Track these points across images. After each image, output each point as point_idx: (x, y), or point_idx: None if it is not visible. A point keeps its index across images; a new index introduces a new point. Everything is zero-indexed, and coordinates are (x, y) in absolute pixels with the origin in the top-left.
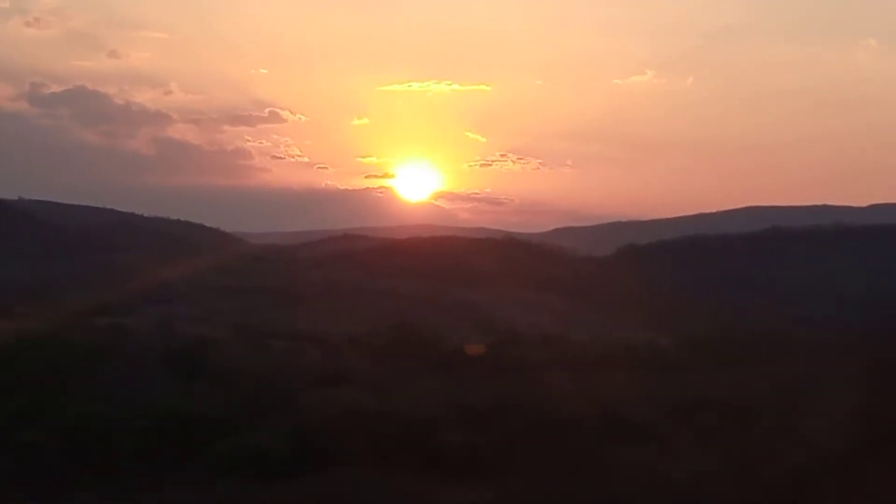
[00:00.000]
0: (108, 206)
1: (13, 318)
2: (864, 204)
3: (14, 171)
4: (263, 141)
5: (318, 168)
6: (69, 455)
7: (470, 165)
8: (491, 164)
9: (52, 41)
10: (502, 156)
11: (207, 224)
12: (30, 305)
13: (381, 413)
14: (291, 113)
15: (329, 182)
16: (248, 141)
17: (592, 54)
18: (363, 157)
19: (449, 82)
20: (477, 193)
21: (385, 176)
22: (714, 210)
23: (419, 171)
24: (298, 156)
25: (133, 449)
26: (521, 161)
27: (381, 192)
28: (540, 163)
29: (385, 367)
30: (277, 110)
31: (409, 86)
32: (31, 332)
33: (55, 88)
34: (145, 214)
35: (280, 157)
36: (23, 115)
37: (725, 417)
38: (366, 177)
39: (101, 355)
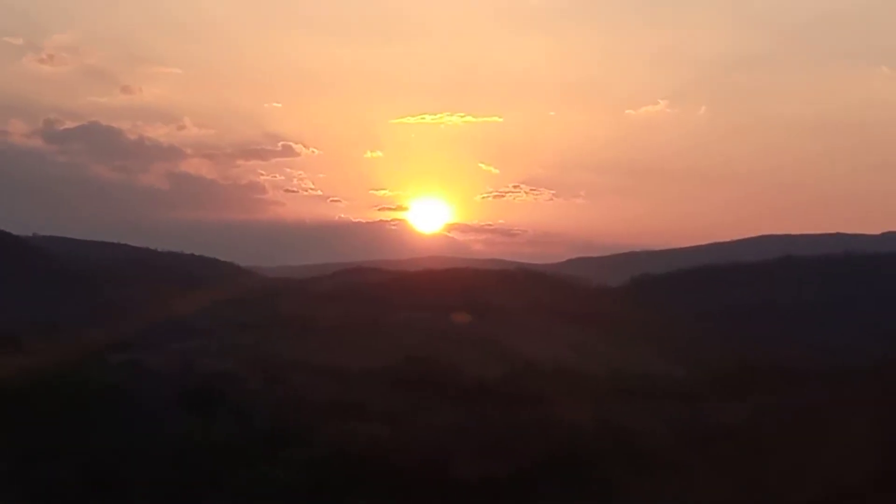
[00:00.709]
0: (123, 242)
1: (29, 355)
2: (876, 232)
3: (29, 208)
4: (277, 175)
5: (332, 201)
6: (87, 490)
7: (483, 197)
8: (504, 196)
9: (66, 77)
10: (515, 187)
11: (222, 258)
12: (45, 342)
13: (398, 445)
14: (305, 146)
15: (342, 215)
16: (262, 175)
17: (605, 84)
18: (376, 189)
19: (462, 114)
20: (490, 225)
21: (398, 208)
22: (727, 239)
23: (432, 203)
24: (312, 189)
25: (151, 483)
26: (535, 192)
27: (394, 225)
28: (553, 193)
29: (401, 400)
30: (291, 144)
31: (422, 118)
32: (47, 368)
33: (69, 124)
34: (159, 249)
35: (293, 191)
36: (37, 151)
37: (741, 447)
38: (379, 209)
39: (118, 391)
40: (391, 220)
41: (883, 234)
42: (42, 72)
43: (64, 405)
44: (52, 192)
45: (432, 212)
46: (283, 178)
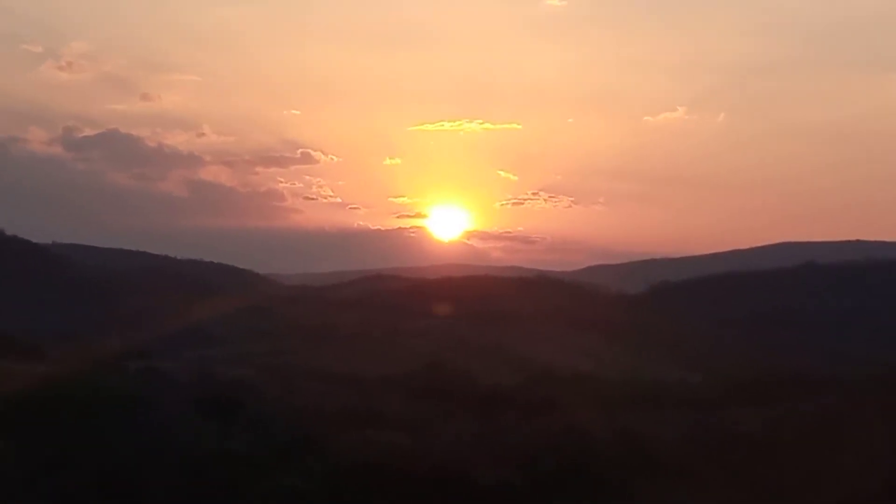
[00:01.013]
0: (142, 249)
1: (47, 363)
2: None
3: (48, 216)
4: (296, 182)
5: (351, 208)
6: (103, 499)
7: (502, 204)
8: (523, 203)
9: (86, 85)
10: (534, 194)
11: (240, 266)
12: (64, 349)
13: (416, 454)
14: (323, 154)
15: (361, 222)
16: (281, 182)
17: (623, 91)
18: (395, 197)
19: (480, 121)
20: (509, 232)
21: (417, 216)
22: (747, 246)
23: (451, 210)
24: (331, 196)
25: (168, 491)
26: (553, 199)
27: (413, 232)
28: (572, 201)
29: (419, 408)
30: (310, 151)
31: (441, 125)
32: (65, 376)
33: (88, 132)
34: (178, 257)
35: (312, 198)
36: (57, 158)
37: (758, 455)
38: (398, 217)
39: (136, 399)
40: (410, 228)
41: None
42: (61, 79)
43: (81, 413)
44: (71, 200)
45: (451, 219)
46: (301, 185)
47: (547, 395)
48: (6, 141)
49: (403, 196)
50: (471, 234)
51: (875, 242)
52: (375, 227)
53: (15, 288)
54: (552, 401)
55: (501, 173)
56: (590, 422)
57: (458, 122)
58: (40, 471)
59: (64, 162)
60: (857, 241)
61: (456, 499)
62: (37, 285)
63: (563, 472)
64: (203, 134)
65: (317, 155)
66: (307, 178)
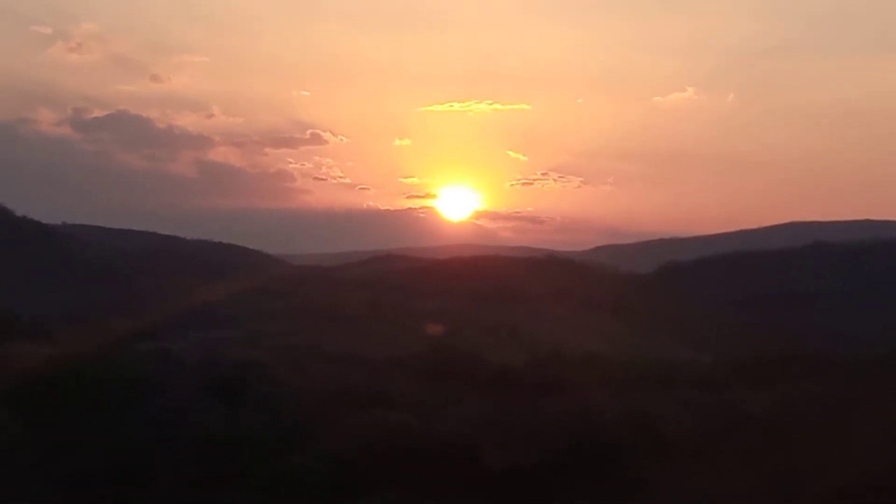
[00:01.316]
0: (151, 230)
1: (56, 344)
2: None
3: (57, 196)
4: (305, 163)
5: (360, 189)
6: (112, 480)
7: (511, 184)
8: (532, 183)
9: (95, 66)
10: (543, 174)
11: (250, 246)
12: (72, 331)
13: (424, 435)
14: (333, 134)
15: (371, 203)
16: (290, 163)
17: (633, 72)
18: (405, 177)
19: (490, 102)
20: (518, 212)
21: (427, 196)
22: (755, 226)
23: (460, 190)
24: (340, 177)
25: (178, 473)
26: (563, 179)
27: (422, 213)
28: (581, 181)
29: (428, 389)
30: (319, 132)
31: (450, 106)
32: (74, 357)
33: (98, 113)
34: (188, 237)
35: (322, 179)
36: (66, 139)
37: (768, 435)
38: (407, 197)
39: (145, 380)
40: (419, 208)
41: None
42: (70, 60)
43: (90, 395)
44: (80, 181)
45: (460, 199)
46: (311, 166)
47: (556, 376)
48: (16, 122)
49: (413, 176)
50: (480, 215)
51: (883, 221)
52: (385, 208)
53: (24, 269)
54: (561, 381)
55: (511, 153)
56: (599, 402)
57: (467, 103)
58: (49, 453)
59: (73, 143)
60: (865, 220)
61: (464, 480)
62: (46, 266)
63: (572, 453)
64: (212, 115)
65: (326, 136)
66: (317, 158)
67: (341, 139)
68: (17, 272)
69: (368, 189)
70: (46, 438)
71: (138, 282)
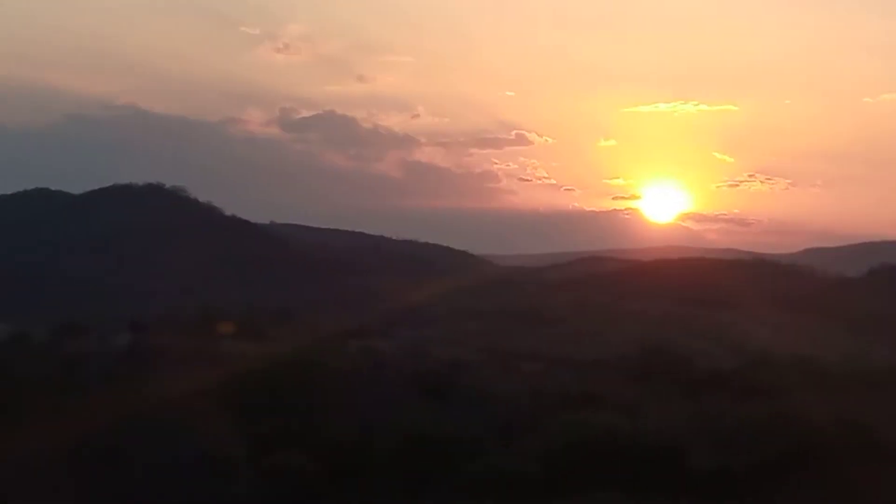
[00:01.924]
0: (358, 230)
1: (267, 341)
2: None
3: (266, 196)
4: (510, 163)
5: (565, 190)
6: (321, 477)
7: (717, 186)
8: (738, 185)
9: (302, 67)
10: (750, 176)
11: (455, 247)
12: (282, 328)
13: (633, 436)
14: (538, 135)
15: (576, 204)
16: (495, 163)
17: (842, 73)
18: (609, 178)
19: (696, 102)
20: (724, 214)
21: (632, 197)
22: None
23: (666, 192)
24: (545, 178)
25: (384, 470)
26: (770, 181)
27: (627, 214)
28: (789, 183)
29: (635, 390)
30: (524, 132)
31: (656, 107)
32: (284, 354)
33: (305, 113)
34: (394, 237)
35: (527, 180)
36: (274, 139)
37: None
38: (612, 198)
39: (354, 378)
40: (624, 209)
41: None
42: (278, 61)
43: (301, 391)
44: (288, 181)
45: (665, 201)
46: (516, 166)
47: (765, 379)
48: (225, 122)
49: (618, 177)
50: (686, 216)
51: None
52: (590, 209)
53: (234, 267)
54: (770, 384)
55: (717, 155)
56: (810, 406)
57: (672, 104)
58: (261, 449)
59: (281, 143)
60: None
61: (673, 481)
62: (255, 265)
63: (782, 457)
64: (418, 115)
65: (531, 136)
66: (521, 159)
67: (546, 140)
68: (227, 271)
69: (573, 190)
70: (259, 434)
71: (346, 280)
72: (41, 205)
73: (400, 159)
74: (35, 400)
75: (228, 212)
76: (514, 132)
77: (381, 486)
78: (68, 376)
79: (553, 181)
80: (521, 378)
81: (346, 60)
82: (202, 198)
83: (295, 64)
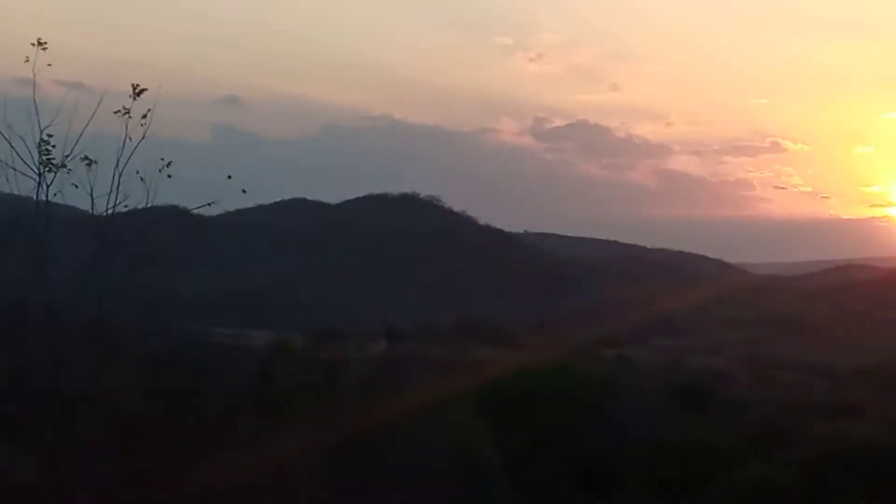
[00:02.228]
0: (611, 239)
1: (522, 350)
2: None
3: (519, 205)
4: (765, 171)
5: (821, 198)
6: (579, 485)
7: None
8: None
9: (554, 76)
10: None
11: (710, 255)
12: (537, 337)
13: (892, 447)
14: (793, 143)
15: (832, 212)
16: (750, 171)
17: None
18: (866, 185)
19: None
20: None
21: (889, 205)
22: None
23: None
24: (800, 185)
25: (641, 479)
26: None
27: (884, 222)
28: None
29: (894, 400)
30: (778, 140)
31: None
32: (538, 363)
33: (558, 122)
34: (648, 246)
35: (782, 188)
36: (527, 149)
37: None
38: (870, 206)
39: (610, 387)
40: (882, 217)
41: None
42: (531, 70)
43: (557, 400)
44: (541, 190)
45: None
46: (770, 174)
47: None
48: (479, 132)
49: (875, 185)
50: None
51: None
52: (846, 217)
53: (489, 276)
54: None
55: None
56: None
57: None
58: (518, 457)
59: (534, 152)
60: None
61: None
62: (509, 273)
63: None
64: (671, 123)
65: (786, 144)
66: (776, 167)
67: (801, 147)
68: (482, 280)
69: (829, 197)
70: (515, 442)
71: (599, 289)
72: (298, 214)
73: (653, 168)
74: (297, 405)
75: (483, 221)
76: (768, 140)
77: (636, 494)
78: (328, 383)
79: (809, 189)
80: (777, 387)
81: (598, 69)
82: (457, 207)
83: (548, 73)
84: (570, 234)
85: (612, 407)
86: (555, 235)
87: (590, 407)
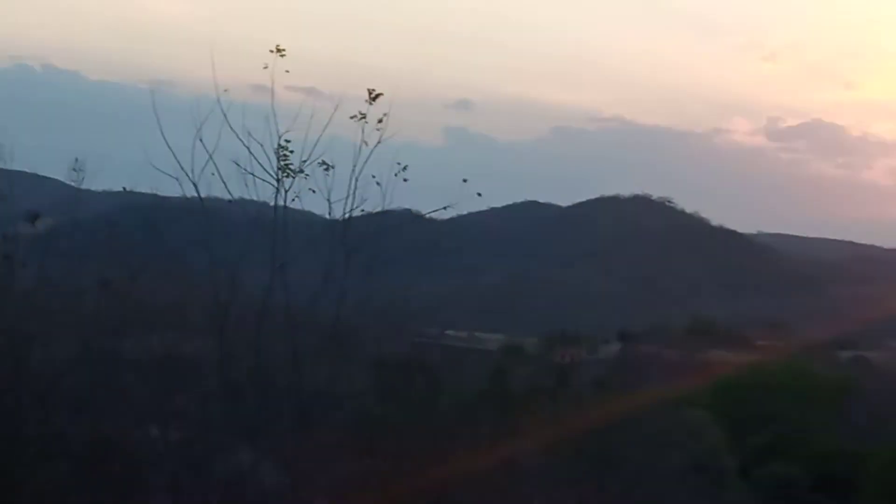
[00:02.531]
0: (847, 239)
1: (756, 351)
2: None
3: (753, 206)
4: None
5: None
6: (815, 488)
7: None
8: None
9: (788, 74)
10: None
11: None
12: (771, 338)
13: None
14: None
15: None
16: None
17: None
18: None
19: None
20: None
21: None
22: None
23: None
24: None
25: (879, 484)
26: None
27: None
28: None
29: None
30: None
31: None
32: (777, 365)
33: (791, 122)
34: (884, 246)
35: None
36: (760, 149)
37: None
38: None
39: (846, 389)
40: None
41: None
42: (764, 69)
43: (792, 401)
44: (775, 190)
45: None
46: None
47: None
48: (711, 132)
49: None
50: None
51: None
52: None
53: (722, 277)
54: None
55: None
56: None
57: None
58: (752, 459)
59: (768, 152)
60: None
61: None
62: (743, 274)
63: None
64: None
65: None
66: None
67: None
68: (715, 280)
69: None
70: (750, 444)
71: (835, 290)
72: (531, 217)
73: (890, 167)
74: (532, 406)
75: (715, 222)
76: None
77: (874, 500)
78: (561, 384)
79: None
80: None
81: (832, 67)
82: (689, 208)
83: (781, 72)
84: (803, 235)
85: (850, 409)
86: (788, 236)
87: (827, 409)
